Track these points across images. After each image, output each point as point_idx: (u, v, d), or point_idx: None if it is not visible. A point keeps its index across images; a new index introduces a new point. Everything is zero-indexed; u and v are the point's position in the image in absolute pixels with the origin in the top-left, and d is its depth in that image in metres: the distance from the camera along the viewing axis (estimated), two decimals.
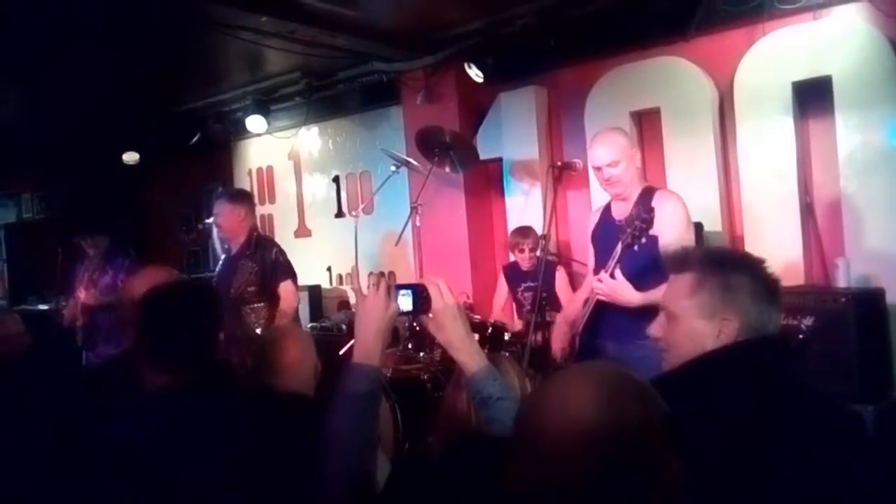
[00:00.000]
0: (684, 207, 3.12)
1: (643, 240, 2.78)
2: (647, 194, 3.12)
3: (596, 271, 3.20)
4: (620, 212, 3.17)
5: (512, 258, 4.99)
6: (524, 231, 4.86)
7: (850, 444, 1.48)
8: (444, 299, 1.60)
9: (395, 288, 1.58)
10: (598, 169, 3.15)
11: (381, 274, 5.07)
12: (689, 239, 3.04)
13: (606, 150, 3.10)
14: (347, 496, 1.42)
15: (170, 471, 1.56)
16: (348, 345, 5.06)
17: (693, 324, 1.57)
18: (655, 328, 1.70)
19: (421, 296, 1.61)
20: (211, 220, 4.53)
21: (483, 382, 1.57)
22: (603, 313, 3.03)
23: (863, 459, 1.47)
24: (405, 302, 1.60)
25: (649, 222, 2.76)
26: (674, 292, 1.65)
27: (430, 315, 1.61)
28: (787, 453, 1.36)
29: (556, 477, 1.00)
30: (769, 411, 1.40)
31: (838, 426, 1.51)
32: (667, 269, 1.71)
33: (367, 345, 1.53)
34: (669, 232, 2.95)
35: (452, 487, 1.22)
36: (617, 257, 2.87)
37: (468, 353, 1.59)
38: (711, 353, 1.52)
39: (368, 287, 1.57)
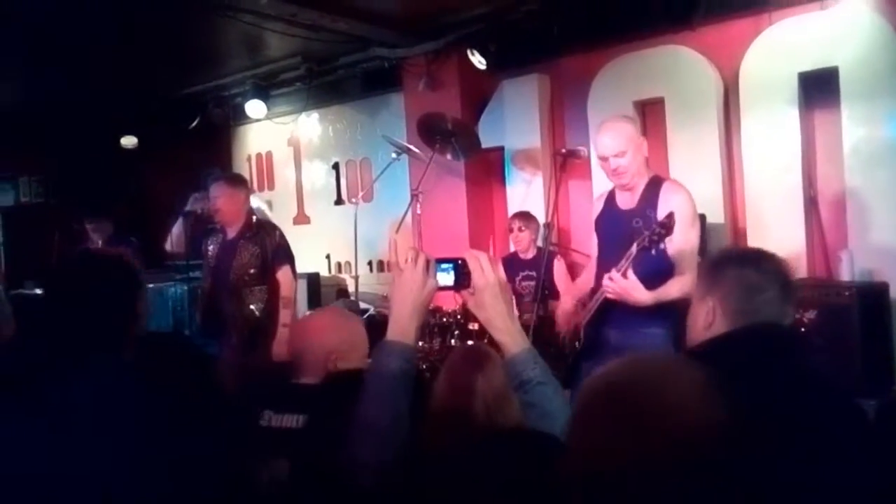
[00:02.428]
0: (691, 201, 3.05)
1: (661, 245, 2.72)
2: (654, 185, 3.05)
3: (600, 261, 3.14)
4: (626, 202, 3.10)
5: (511, 248, 4.98)
6: (521, 213, 4.91)
7: (843, 444, 1.45)
8: (486, 276, 1.51)
9: (434, 262, 1.52)
10: (604, 159, 3.04)
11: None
12: (694, 234, 2.99)
13: (613, 140, 3.00)
14: (377, 481, 1.35)
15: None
16: None
17: (694, 304, 1.73)
18: None
19: (462, 271, 1.53)
20: (190, 206, 4.47)
21: (523, 365, 1.49)
22: (608, 305, 2.97)
23: (856, 462, 1.43)
24: (446, 277, 1.53)
25: (669, 229, 2.67)
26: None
27: (471, 291, 1.53)
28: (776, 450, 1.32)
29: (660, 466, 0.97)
30: (758, 405, 1.36)
31: (835, 421, 1.49)
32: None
33: (401, 321, 1.46)
34: (675, 227, 2.90)
35: (492, 485, 1.14)
36: (631, 258, 2.76)
37: (509, 333, 1.51)
38: (703, 344, 1.63)
39: (406, 261, 1.50)
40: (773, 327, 1.59)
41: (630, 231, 2.88)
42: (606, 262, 3.03)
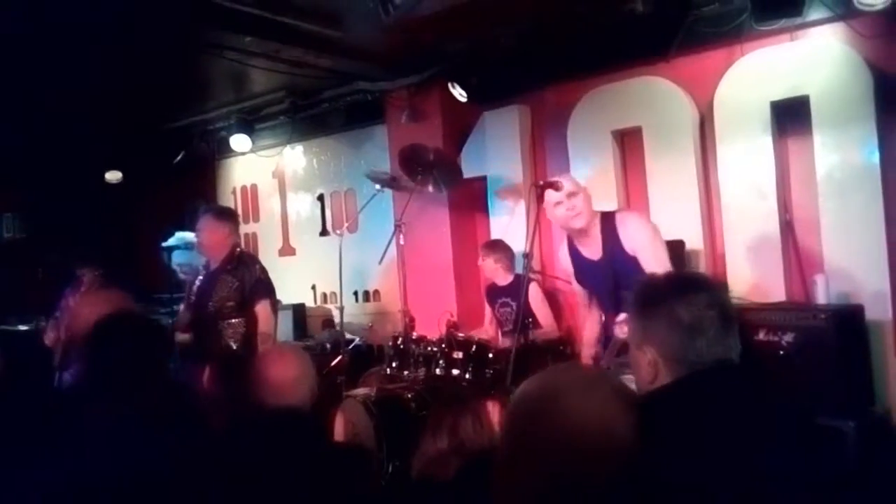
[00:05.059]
0: (645, 220, 3.32)
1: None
2: (608, 221, 3.27)
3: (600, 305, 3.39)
4: (591, 251, 3.33)
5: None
6: (484, 244, 5.09)
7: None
8: None
9: None
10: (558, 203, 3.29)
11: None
12: (661, 246, 3.20)
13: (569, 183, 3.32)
14: None
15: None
16: (334, 362, 5.08)
17: (633, 351, 1.61)
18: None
19: None
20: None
21: None
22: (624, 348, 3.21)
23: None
24: None
25: None
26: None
27: None
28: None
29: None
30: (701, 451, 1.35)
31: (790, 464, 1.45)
32: None
33: None
34: (644, 249, 3.12)
35: None
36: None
37: None
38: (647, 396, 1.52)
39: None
40: (719, 371, 1.49)
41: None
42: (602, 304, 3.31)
